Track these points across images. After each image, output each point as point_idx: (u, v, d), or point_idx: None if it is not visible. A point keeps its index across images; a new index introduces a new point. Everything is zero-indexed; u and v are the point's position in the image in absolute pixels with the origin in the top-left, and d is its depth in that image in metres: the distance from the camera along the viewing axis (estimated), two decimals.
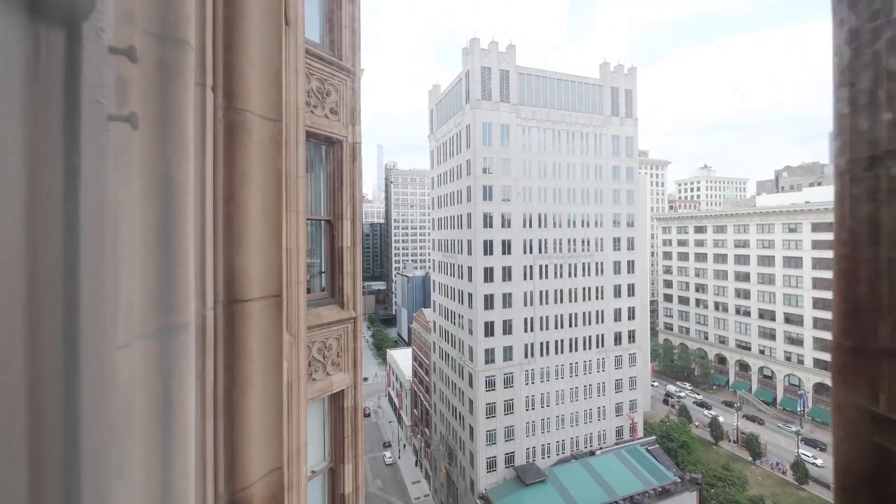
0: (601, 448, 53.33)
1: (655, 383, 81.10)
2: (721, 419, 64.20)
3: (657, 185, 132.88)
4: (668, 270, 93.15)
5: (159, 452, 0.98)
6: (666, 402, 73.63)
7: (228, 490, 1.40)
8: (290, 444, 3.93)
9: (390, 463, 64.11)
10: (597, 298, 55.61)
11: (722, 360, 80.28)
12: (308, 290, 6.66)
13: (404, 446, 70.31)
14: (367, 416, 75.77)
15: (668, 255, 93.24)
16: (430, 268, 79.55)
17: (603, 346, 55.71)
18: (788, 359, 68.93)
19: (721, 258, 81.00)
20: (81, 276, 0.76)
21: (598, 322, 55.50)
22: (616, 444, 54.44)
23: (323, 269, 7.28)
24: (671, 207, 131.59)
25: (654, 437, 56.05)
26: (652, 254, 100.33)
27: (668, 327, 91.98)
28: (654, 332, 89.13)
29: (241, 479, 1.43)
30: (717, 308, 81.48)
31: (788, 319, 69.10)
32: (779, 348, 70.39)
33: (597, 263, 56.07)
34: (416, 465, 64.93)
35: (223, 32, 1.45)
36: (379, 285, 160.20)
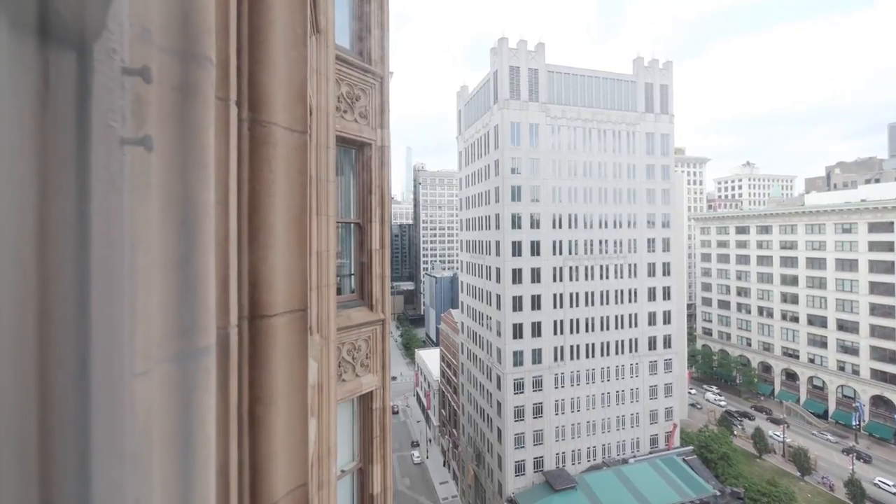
0: (634, 456, 51.53)
1: (693, 391, 77.66)
2: (781, 435, 60.46)
3: (695, 183, 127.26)
4: (706, 273, 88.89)
5: (178, 482, 0.96)
6: (729, 422, 64.46)
7: None
8: (321, 444, 3.97)
9: (418, 462, 64.53)
10: (630, 301, 53.82)
11: (766, 368, 75.78)
12: (338, 292, 6.76)
13: (429, 441, 70.64)
14: (395, 413, 76.60)
15: (706, 257, 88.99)
16: (458, 269, 79.55)
17: (636, 350, 53.84)
18: (842, 368, 64.19)
19: (765, 260, 76.46)
20: (93, 304, 0.75)
21: (631, 326, 53.69)
22: (650, 452, 52.47)
23: (352, 271, 7.37)
24: (710, 207, 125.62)
25: (691, 448, 53.58)
26: (689, 255, 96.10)
27: (707, 332, 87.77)
28: (691, 338, 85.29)
29: (265, 498, 1.41)
30: (760, 313, 76.99)
31: (842, 326, 64.35)
32: (831, 357, 65.69)
33: (630, 265, 54.28)
34: (443, 465, 65.05)
35: (248, 44, 1.44)
36: (407, 286, 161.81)
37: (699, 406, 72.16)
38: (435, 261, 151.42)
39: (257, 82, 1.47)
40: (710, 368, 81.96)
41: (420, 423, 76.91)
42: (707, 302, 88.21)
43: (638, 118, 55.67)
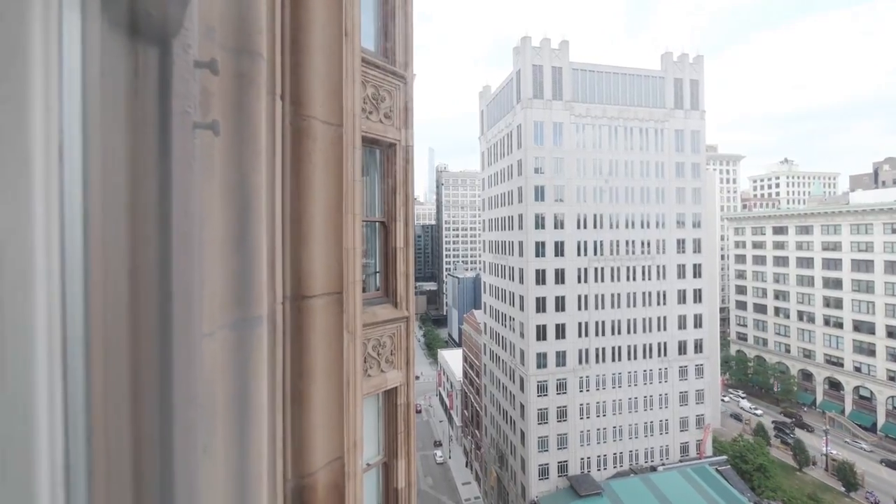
0: (663, 464, 49.88)
1: (726, 398, 74.49)
2: (823, 447, 57.37)
3: (728, 181, 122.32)
4: (741, 275, 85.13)
5: (237, 434, 1.06)
6: (766, 433, 60.12)
7: (296, 475, 1.48)
8: (348, 437, 4.10)
9: (441, 462, 64.67)
10: (658, 304, 52.18)
11: (807, 376, 71.85)
12: (363, 290, 6.92)
13: (451, 439, 70.64)
14: (418, 412, 77.05)
15: (741, 259, 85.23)
16: (480, 269, 79.33)
17: (666, 354, 52.16)
18: (892, 379, 60.15)
19: (806, 262, 72.54)
20: (174, 272, 0.85)
21: (660, 329, 52.05)
22: (680, 461, 50.66)
23: (377, 269, 7.51)
24: (745, 206, 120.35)
25: (724, 457, 51.39)
26: (722, 257, 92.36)
27: (742, 337, 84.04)
28: (725, 342, 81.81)
29: (307, 466, 1.51)
30: (800, 318, 73.04)
31: (892, 333, 60.34)
32: (880, 366, 61.65)
33: (658, 266, 52.65)
34: (466, 465, 64.93)
35: (290, 44, 1.54)
36: (430, 286, 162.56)
37: (744, 419, 68.33)
38: (457, 261, 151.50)
39: (298, 78, 1.58)
40: (745, 375, 78.41)
41: (443, 423, 77.07)
42: (741, 305, 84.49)
43: (667, 115, 54.05)
